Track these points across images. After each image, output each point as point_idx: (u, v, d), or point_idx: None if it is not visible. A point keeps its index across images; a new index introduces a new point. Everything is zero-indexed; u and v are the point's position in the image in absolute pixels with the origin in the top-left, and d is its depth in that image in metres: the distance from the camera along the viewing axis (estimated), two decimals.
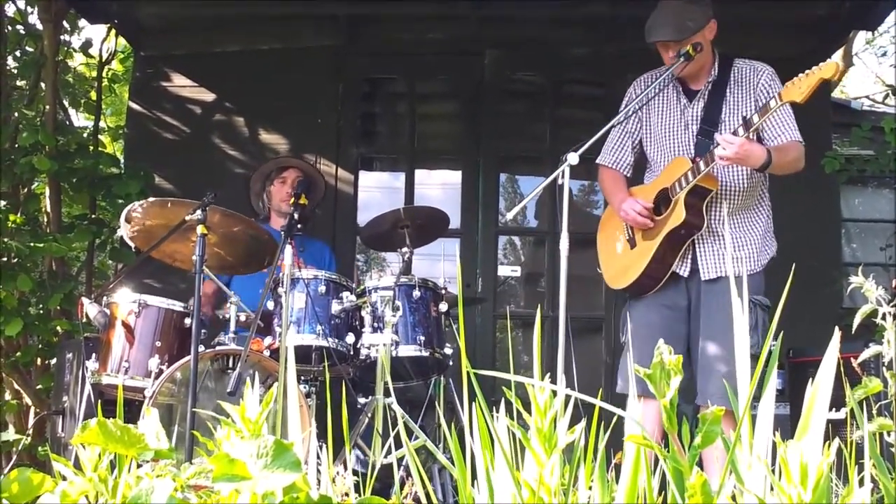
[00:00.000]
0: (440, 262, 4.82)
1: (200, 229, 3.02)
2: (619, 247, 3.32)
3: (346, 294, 3.52)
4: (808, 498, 1.07)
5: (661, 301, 3.20)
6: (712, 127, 3.21)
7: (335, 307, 3.47)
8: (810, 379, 1.19)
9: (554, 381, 1.34)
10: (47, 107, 5.20)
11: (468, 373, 1.32)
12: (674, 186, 3.14)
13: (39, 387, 5.16)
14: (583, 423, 1.31)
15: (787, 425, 3.40)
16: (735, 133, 2.99)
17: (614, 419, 1.27)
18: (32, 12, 5.58)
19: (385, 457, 2.65)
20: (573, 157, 2.90)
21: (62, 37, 5.53)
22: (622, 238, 3.32)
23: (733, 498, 1.20)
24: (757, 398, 1.22)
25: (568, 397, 1.30)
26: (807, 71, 2.91)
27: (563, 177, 2.90)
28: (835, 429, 1.59)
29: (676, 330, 3.13)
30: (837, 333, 1.22)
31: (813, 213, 5.23)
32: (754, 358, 1.15)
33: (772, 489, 1.13)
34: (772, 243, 3.29)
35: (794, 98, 2.91)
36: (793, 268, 1.37)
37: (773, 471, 1.14)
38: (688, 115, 3.27)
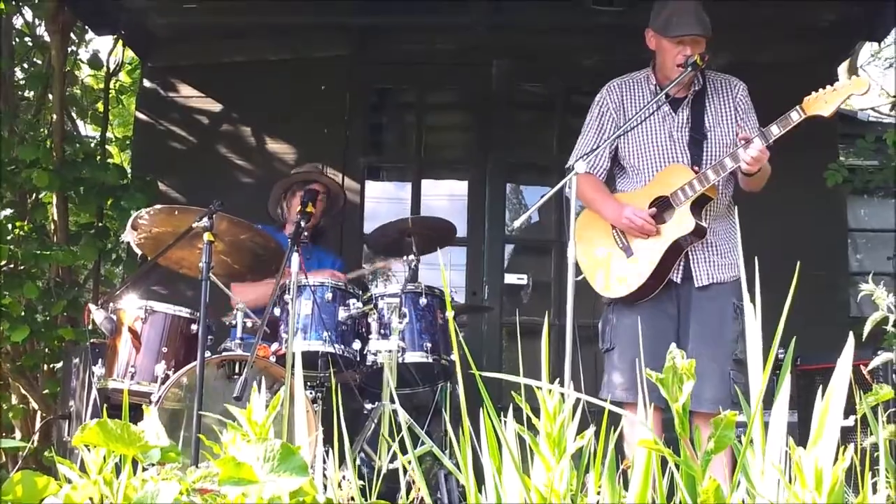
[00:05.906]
0: (447, 271, 4.81)
1: (207, 237, 3.02)
2: (610, 254, 3.23)
3: (352, 301, 3.52)
4: (824, 502, 1.06)
5: (653, 308, 3.15)
6: (701, 136, 3.22)
7: (342, 314, 3.47)
8: (820, 386, 1.18)
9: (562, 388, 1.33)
10: (54, 117, 5.22)
11: (472, 374, 1.31)
12: (676, 194, 3.12)
13: (46, 391, 5.15)
14: (592, 429, 1.30)
15: (795, 432, 3.37)
16: (748, 141, 2.99)
17: (620, 426, 1.26)
18: (40, 24, 5.60)
19: (391, 462, 2.64)
20: (580, 166, 2.90)
21: (69, 48, 5.56)
22: (613, 245, 3.23)
23: None
24: (767, 404, 1.21)
25: (577, 402, 1.29)
26: (834, 86, 2.92)
27: (570, 186, 2.89)
28: (844, 435, 1.58)
29: (668, 337, 3.06)
30: (851, 340, 1.21)
31: (820, 222, 5.23)
32: (741, 362, 1.14)
33: (783, 494, 1.11)
34: None
35: (821, 112, 2.92)
36: (795, 275, 1.36)
37: (784, 477, 1.13)
38: (671, 123, 3.25)
